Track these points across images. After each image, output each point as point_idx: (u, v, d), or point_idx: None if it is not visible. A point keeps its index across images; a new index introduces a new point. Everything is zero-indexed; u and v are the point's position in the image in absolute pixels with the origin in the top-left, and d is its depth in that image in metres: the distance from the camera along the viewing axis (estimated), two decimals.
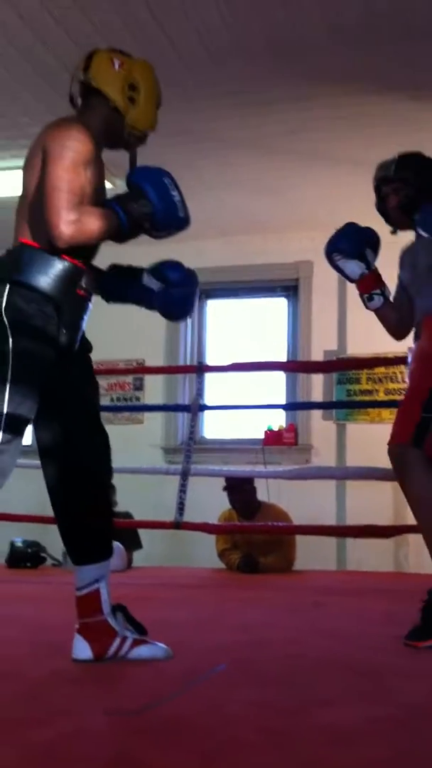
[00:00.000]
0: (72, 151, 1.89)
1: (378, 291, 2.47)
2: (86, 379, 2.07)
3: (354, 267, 2.46)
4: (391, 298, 2.55)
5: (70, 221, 1.84)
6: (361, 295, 2.52)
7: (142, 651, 1.96)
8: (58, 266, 1.90)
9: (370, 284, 2.48)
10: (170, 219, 1.98)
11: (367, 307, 2.52)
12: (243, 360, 4.76)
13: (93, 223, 1.88)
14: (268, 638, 2.39)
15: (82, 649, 1.96)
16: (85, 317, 2.03)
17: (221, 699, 1.66)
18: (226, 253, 5.88)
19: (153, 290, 2.13)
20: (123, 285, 2.16)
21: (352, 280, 2.50)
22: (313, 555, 4.68)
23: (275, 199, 5.21)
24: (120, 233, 1.95)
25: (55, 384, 1.96)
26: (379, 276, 2.50)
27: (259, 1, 3.20)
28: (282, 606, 3.14)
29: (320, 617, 2.88)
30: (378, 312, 2.51)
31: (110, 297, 2.18)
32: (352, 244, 2.45)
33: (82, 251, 1.94)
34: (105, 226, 1.91)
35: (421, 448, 2.17)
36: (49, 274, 1.89)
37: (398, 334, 2.57)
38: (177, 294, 2.14)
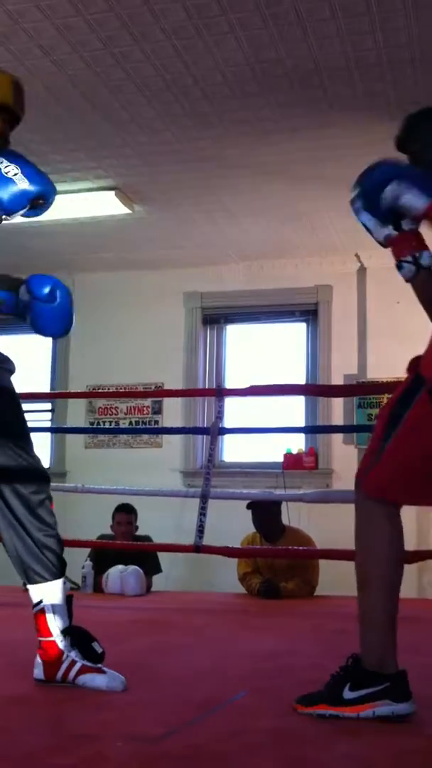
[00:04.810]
0: None
1: (409, 258, 1.85)
2: None
3: (378, 227, 1.85)
4: None
5: None
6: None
7: (87, 679, 1.92)
8: None
9: (399, 249, 1.86)
10: (12, 196, 1.87)
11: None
12: (262, 383, 4.73)
13: None
14: (291, 665, 2.36)
15: (37, 669, 1.96)
16: None
17: (241, 727, 1.63)
18: (246, 278, 5.91)
19: (26, 303, 2.05)
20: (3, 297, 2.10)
21: (380, 243, 1.89)
22: (335, 580, 4.61)
23: (296, 225, 5.24)
24: None
25: None
26: (413, 237, 1.86)
27: (282, 36, 3.26)
28: (304, 632, 3.09)
29: (344, 644, 2.83)
30: (413, 285, 1.89)
31: None
32: (372, 195, 1.82)
33: None
34: None
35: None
36: None
37: None
38: (40, 310, 2.04)
